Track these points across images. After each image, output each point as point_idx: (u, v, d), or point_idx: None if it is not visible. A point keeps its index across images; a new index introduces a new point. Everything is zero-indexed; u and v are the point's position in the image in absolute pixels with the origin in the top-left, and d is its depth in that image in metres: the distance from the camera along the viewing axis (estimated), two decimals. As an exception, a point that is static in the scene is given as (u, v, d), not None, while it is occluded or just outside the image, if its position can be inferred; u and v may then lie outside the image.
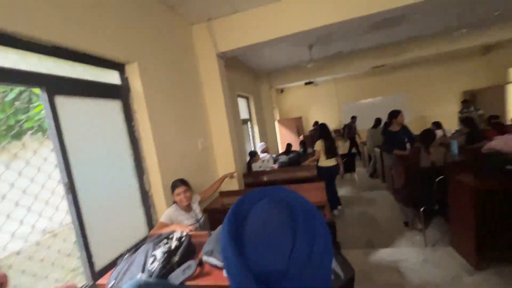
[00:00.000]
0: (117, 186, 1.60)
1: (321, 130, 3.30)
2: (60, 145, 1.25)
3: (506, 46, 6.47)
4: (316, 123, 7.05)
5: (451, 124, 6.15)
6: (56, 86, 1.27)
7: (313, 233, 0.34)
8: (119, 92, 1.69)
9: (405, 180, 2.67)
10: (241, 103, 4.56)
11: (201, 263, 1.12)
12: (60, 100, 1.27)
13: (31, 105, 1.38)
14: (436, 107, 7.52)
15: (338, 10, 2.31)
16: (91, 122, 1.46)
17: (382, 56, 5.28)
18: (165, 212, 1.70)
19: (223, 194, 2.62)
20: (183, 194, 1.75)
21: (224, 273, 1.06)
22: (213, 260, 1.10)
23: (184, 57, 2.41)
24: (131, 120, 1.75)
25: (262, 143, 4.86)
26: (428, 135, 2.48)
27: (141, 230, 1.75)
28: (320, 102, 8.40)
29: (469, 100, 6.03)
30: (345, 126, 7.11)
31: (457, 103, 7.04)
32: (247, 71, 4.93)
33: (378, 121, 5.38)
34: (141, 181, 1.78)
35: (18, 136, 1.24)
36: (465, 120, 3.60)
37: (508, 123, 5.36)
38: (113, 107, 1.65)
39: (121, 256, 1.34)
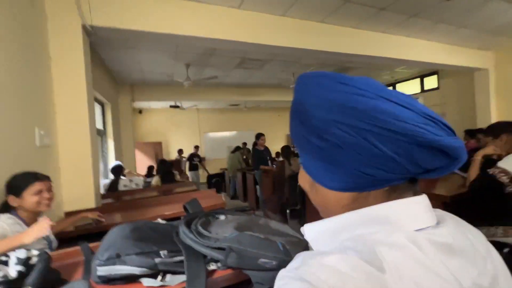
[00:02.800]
0: None
1: (160, 166, 3.80)
2: None
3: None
4: (180, 150, 6.87)
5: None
6: None
7: None
8: None
9: (272, 190, 3.10)
10: (96, 110, 3.58)
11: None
12: None
13: None
14: (273, 145, 9.72)
15: (223, 29, 2.54)
16: None
17: (240, 94, 6.24)
18: None
19: (70, 214, 1.76)
20: (47, 193, 1.10)
21: (146, 281, 0.68)
22: (122, 268, 0.67)
23: (25, 11, 1.60)
24: None
25: (118, 162, 3.98)
26: (288, 150, 3.12)
27: None
28: (182, 130, 8.30)
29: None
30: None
31: (284, 141, 9.63)
32: (106, 74, 4.05)
33: (237, 147, 6.12)
34: None
35: None
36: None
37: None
38: None
39: None
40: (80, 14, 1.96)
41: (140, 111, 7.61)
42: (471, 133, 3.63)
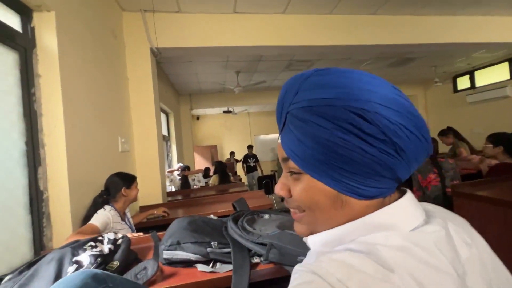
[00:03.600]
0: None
1: (218, 166, 4.04)
2: None
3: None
4: (232, 153, 7.29)
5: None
6: None
7: None
8: (17, 42, 1.17)
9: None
10: (162, 118, 4.13)
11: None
12: None
13: None
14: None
15: (270, 36, 2.62)
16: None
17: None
18: (100, 213, 1.24)
19: (144, 208, 2.10)
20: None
21: (200, 267, 0.79)
22: (182, 254, 0.81)
23: (110, 43, 2.00)
24: (30, 86, 1.21)
25: (181, 164, 4.48)
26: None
27: (21, 252, 1.11)
28: (234, 133, 8.76)
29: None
30: None
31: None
32: (169, 87, 4.62)
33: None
34: (33, 176, 1.18)
35: None
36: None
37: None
38: (4, 59, 1.11)
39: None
40: (148, 39, 2.32)
41: (198, 118, 8.36)
42: None
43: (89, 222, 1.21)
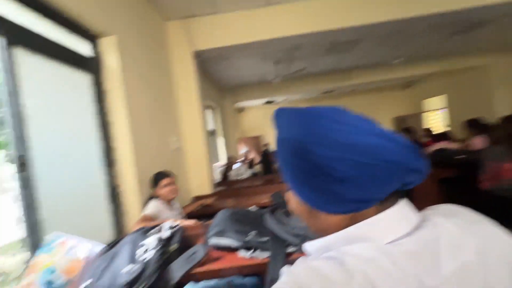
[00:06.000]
0: (81, 177, 1.28)
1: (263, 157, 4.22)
2: (15, 107, 0.96)
3: (421, 81, 8.09)
4: (266, 144, 7.29)
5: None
6: (18, 35, 1.01)
7: None
8: (90, 65, 1.44)
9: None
10: (207, 113, 4.44)
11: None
12: (21, 54, 1.00)
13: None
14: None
15: (308, 23, 2.54)
16: (55, 90, 1.18)
17: (332, 80, 5.94)
18: (150, 205, 1.45)
19: (197, 198, 2.36)
20: (171, 185, 1.54)
21: (241, 253, 0.91)
22: (225, 241, 0.93)
23: (158, 52, 2.24)
24: (102, 100, 1.48)
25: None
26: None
27: (106, 233, 1.40)
28: (277, 122, 8.78)
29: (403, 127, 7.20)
30: None
31: (391, 123, 8.47)
32: (213, 84, 4.89)
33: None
34: (109, 174, 1.47)
35: None
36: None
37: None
38: (82, 81, 1.38)
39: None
40: (190, 43, 2.51)
41: (242, 110, 8.63)
42: None
43: (142, 214, 1.43)
